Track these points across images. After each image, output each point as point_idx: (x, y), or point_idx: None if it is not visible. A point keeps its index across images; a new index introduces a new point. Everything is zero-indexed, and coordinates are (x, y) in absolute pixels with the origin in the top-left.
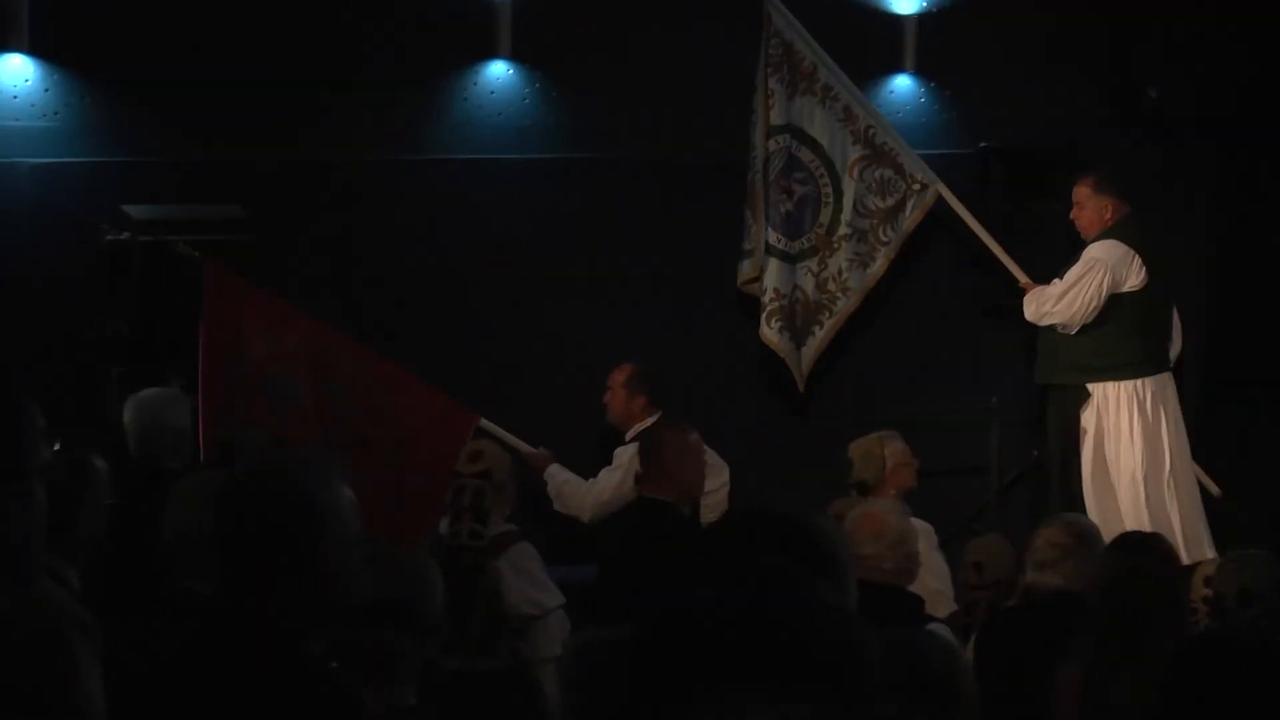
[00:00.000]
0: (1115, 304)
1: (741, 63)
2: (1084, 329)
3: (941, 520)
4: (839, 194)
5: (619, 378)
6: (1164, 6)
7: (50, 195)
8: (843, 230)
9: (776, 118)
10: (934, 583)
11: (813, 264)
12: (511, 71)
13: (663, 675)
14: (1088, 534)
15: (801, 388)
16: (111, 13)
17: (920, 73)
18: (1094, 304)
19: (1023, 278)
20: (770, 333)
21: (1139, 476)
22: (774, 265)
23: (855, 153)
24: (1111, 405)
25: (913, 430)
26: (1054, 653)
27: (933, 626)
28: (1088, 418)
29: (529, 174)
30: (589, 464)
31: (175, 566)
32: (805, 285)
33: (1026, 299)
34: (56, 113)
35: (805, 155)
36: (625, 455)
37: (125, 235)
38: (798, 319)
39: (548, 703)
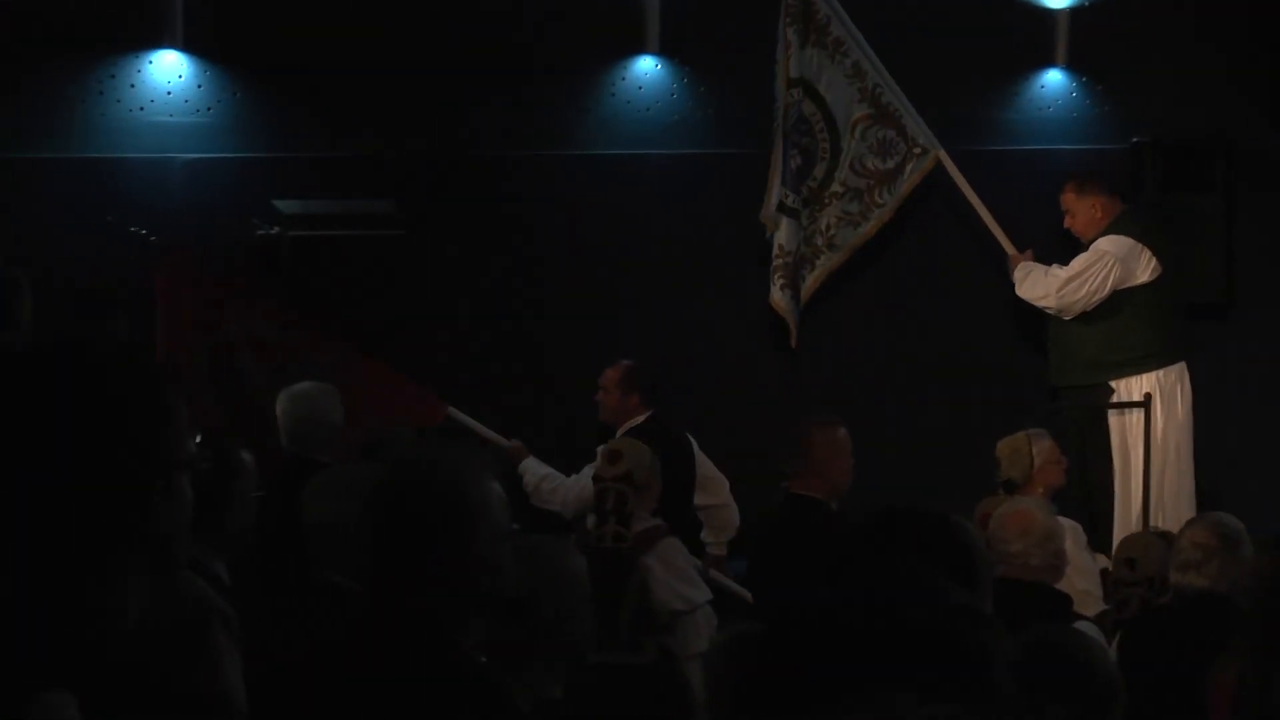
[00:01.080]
0: (1129, 297)
1: (893, 58)
2: (1102, 325)
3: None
4: (836, 150)
5: (613, 376)
6: None
7: (202, 190)
8: (835, 187)
9: (792, 70)
10: (1081, 582)
11: (803, 218)
12: (659, 66)
13: (797, 673)
14: (1233, 534)
15: (794, 343)
16: (264, 9)
17: (1072, 67)
18: (1097, 295)
19: (1010, 248)
20: (775, 292)
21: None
22: (784, 223)
23: (860, 111)
24: (1139, 396)
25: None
26: (1200, 654)
27: (1080, 625)
28: (1116, 423)
29: (676, 169)
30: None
31: (315, 559)
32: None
33: (1018, 273)
34: (209, 109)
35: (808, 109)
36: None
37: (275, 230)
38: (800, 273)
39: (695, 698)
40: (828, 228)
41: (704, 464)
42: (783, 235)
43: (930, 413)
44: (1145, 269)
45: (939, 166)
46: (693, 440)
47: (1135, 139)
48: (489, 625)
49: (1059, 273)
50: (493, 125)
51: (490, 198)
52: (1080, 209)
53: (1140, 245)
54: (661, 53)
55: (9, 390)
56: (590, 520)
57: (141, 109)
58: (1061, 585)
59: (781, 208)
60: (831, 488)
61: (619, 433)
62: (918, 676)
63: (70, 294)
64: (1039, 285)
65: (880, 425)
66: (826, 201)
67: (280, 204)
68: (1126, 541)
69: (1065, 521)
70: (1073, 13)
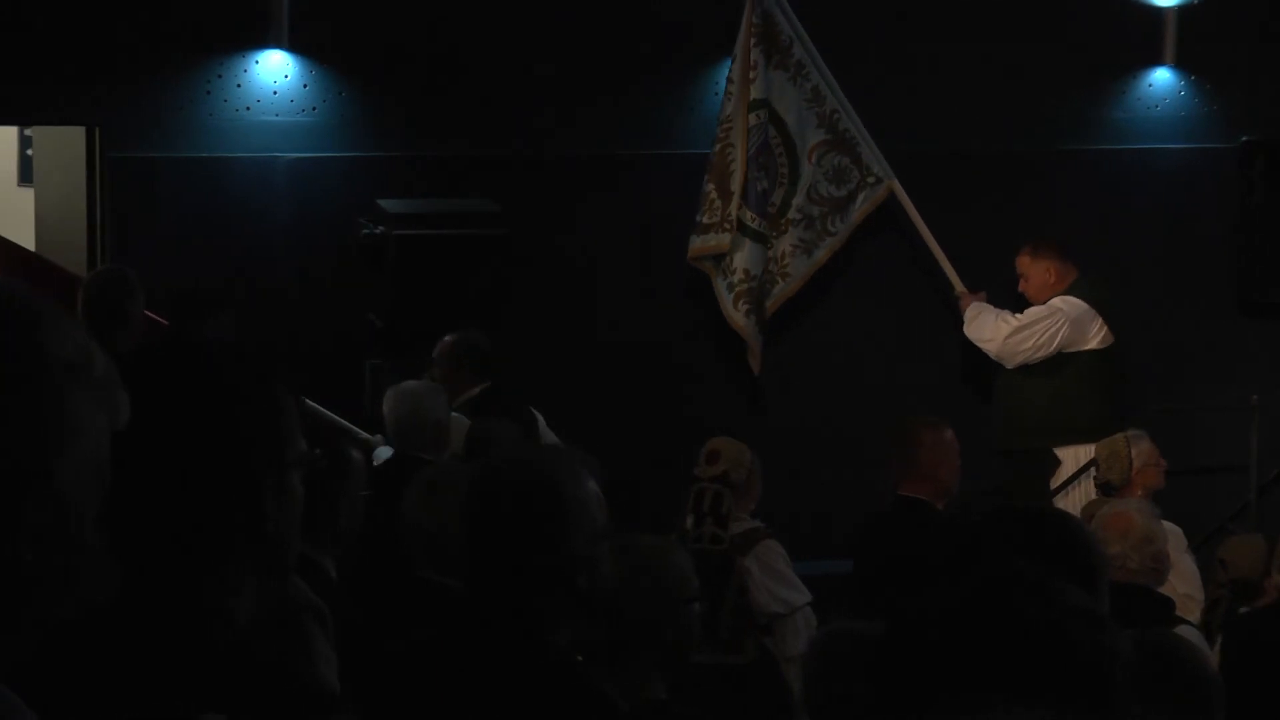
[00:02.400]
0: (1076, 361)
1: (1001, 58)
2: (1048, 388)
3: (1198, 521)
4: (795, 176)
5: (441, 348)
6: None
7: (307, 190)
8: (791, 214)
9: (757, 91)
10: (1183, 586)
11: (768, 242)
12: None
13: (909, 673)
14: None
15: (757, 371)
16: (369, 9)
17: (1180, 66)
18: (1042, 351)
19: (959, 285)
20: (738, 316)
21: None
22: (748, 246)
23: (817, 136)
24: (1070, 470)
25: (1168, 426)
26: None
27: (1181, 629)
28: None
29: None
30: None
31: (416, 557)
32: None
33: (969, 311)
34: (314, 108)
35: (770, 133)
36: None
37: (380, 229)
38: (762, 298)
39: (793, 698)
40: (782, 256)
41: (548, 438)
42: (746, 258)
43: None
44: (1096, 336)
45: (892, 197)
46: (539, 415)
47: (1244, 138)
48: (586, 624)
49: (1010, 319)
50: (596, 124)
51: (593, 197)
52: (1034, 272)
53: (1094, 312)
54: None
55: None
56: (688, 520)
57: (248, 108)
58: (1163, 589)
59: (745, 230)
60: (939, 489)
61: (454, 406)
62: (1034, 678)
63: (176, 293)
64: (987, 328)
65: (839, 449)
66: (783, 229)
67: (385, 203)
68: (1226, 543)
69: (1166, 525)
70: (1181, 11)
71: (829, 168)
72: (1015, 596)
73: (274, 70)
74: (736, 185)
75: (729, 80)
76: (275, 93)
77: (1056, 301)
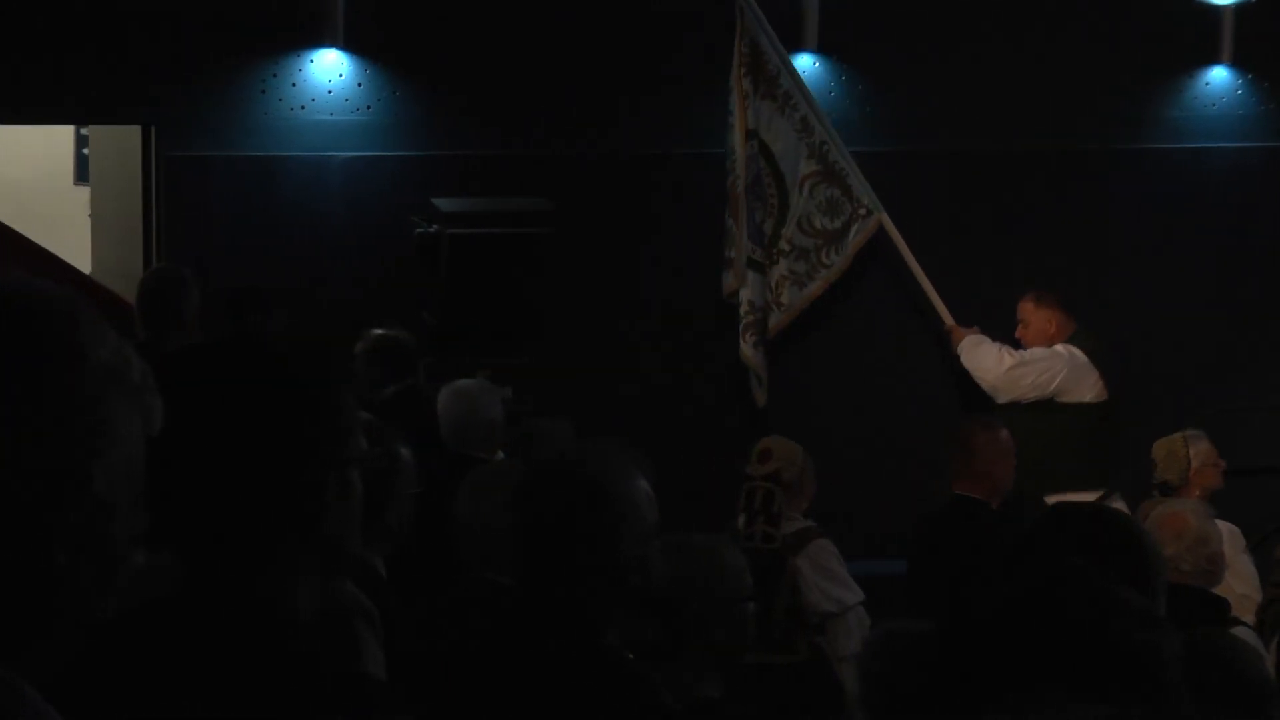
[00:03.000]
0: (1069, 411)
1: (1059, 56)
2: (1041, 434)
3: (1257, 521)
4: (784, 207)
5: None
6: None
7: (360, 188)
8: (781, 245)
9: (750, 121)
10: (1240, 586)
11: (765, 272)
12: (817, 64)
13: (964, 670)
14: None
15: (761, 402)
16: (423, 9)
17: (1237, 64)
18: (1037, 391)
19: (948, 319)
20: (746, 348)
21: None
22: (751, 278)
23: (807, 167)
24: None
25: (1226, 427)
26: None
27: (1237, 630)
28: None
29: None
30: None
31: (468, 555)
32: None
33: (968, 340)
34: (369, 107)
35: (760, 164)
36: None
37: (434, 228)
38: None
39: (846, 697)
40: (775, 286)
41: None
42: (752, 291)
43: (899, 466)
44: (1091, 389)
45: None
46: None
47: None
48: (638, 623)
49: (1011, 353)
50: (647, 124)
51: (644, 196)
52: (1036, 320)
53: (1091, 365)
54: (820, 51)
55: (186, 385)
56: (740, 520)
57: (302, 107)
58: (1220, 589)
59: (751, 263)
60: (994, 488)
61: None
62: (1089, 676)
63: (231, 291)
64: (988, 357)
65: (893, 449)
66: (774, 260)
67: (438, 202)
68: None
69: (1223, 525)
70: (1238, 9)
71: (821, 199)
72: (1071, 596)
73: (329, 69)
74: (741, 216)
75: (729, 112)
76: (330, 92)
77: (1059, 347)
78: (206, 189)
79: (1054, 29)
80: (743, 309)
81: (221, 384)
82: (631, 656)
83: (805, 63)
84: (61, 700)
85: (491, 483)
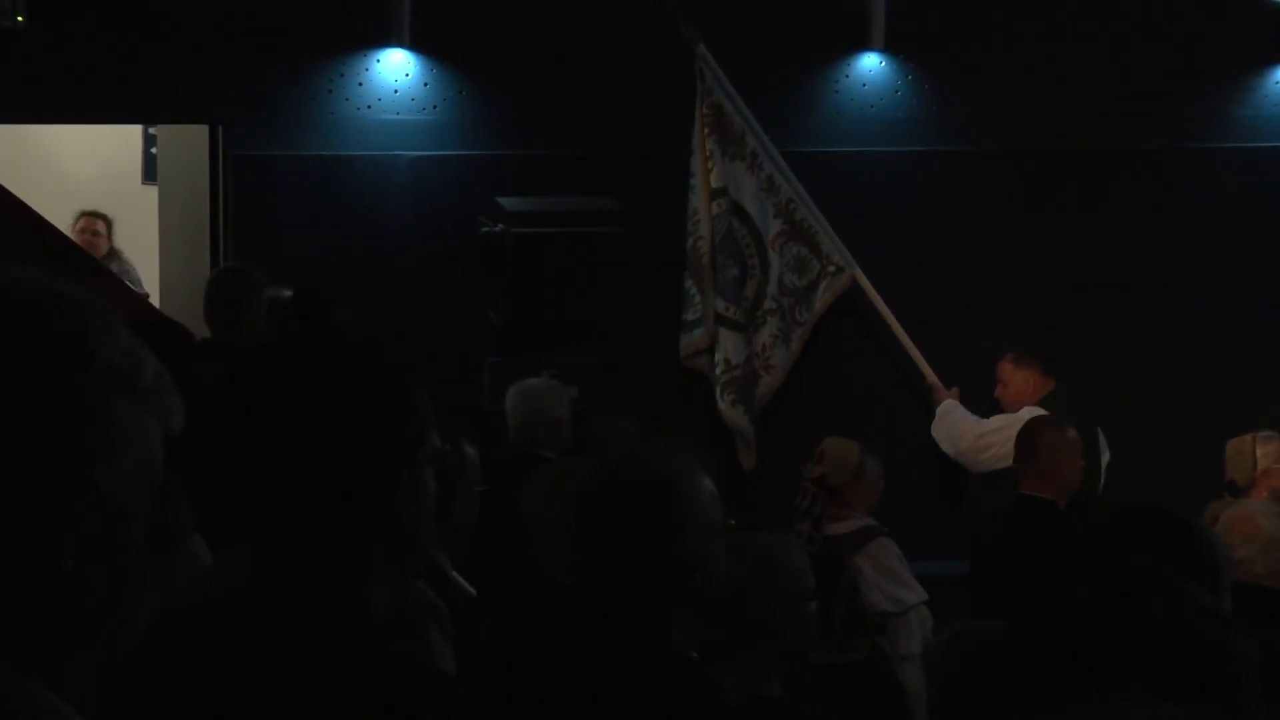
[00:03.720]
0: None
1: (1125, 57)
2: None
3: None
4: (765, 266)
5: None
6: None
7: (427, 188)
8: (768, 304)
9: (716, 180)
10: None
11: (748, 330)
12: (884, 64)
13: (1032, 672)
14: None
15: (750, 466)
16: (489, 8)
17: None
18: (1003, 462)
19: (930, 376)
20: (725, 407)
21: None
22: (724, 335)
23: (776, 226)
24: None
25: None
26: None
27: None
28: None
29: (900, 167)
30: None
31: (535, 553)
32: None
33: (940, 412)
34: (435, 106)
35: (734, 222)
36: None
37: (500, 227)
38: (749, 389)
39: (907, 697)
40: (763, 348)
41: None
42: (728, 348)
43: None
44: None
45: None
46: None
47: None
48: (701, 622)
49: (976, 424)
50: None
51: None
52: (1015, 380)
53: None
54: (886, 50)
55: (262, 383)
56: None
57: (369, 107)
58: None
59: (721, 320)
60: (1061, 488)
61: None
62: (1159, 675)
63: (297, 290)
64: (958, 426)
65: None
66: (762, 320)
67: (504, 201)
68: None
69: None
70: None
71: (790, 257)
72: (1140, 595)
73: (395, 69)
74: (709, 276)
75: (690, 174)
76: (396, 91)
77: (1025, 412)
78: (273, 188)
79: (1122, 27)
80: (719, 368)
81: (300, 383)
82: (694, 655)
83: (871, 62)
84: (138, 695)
85: (558, 481)
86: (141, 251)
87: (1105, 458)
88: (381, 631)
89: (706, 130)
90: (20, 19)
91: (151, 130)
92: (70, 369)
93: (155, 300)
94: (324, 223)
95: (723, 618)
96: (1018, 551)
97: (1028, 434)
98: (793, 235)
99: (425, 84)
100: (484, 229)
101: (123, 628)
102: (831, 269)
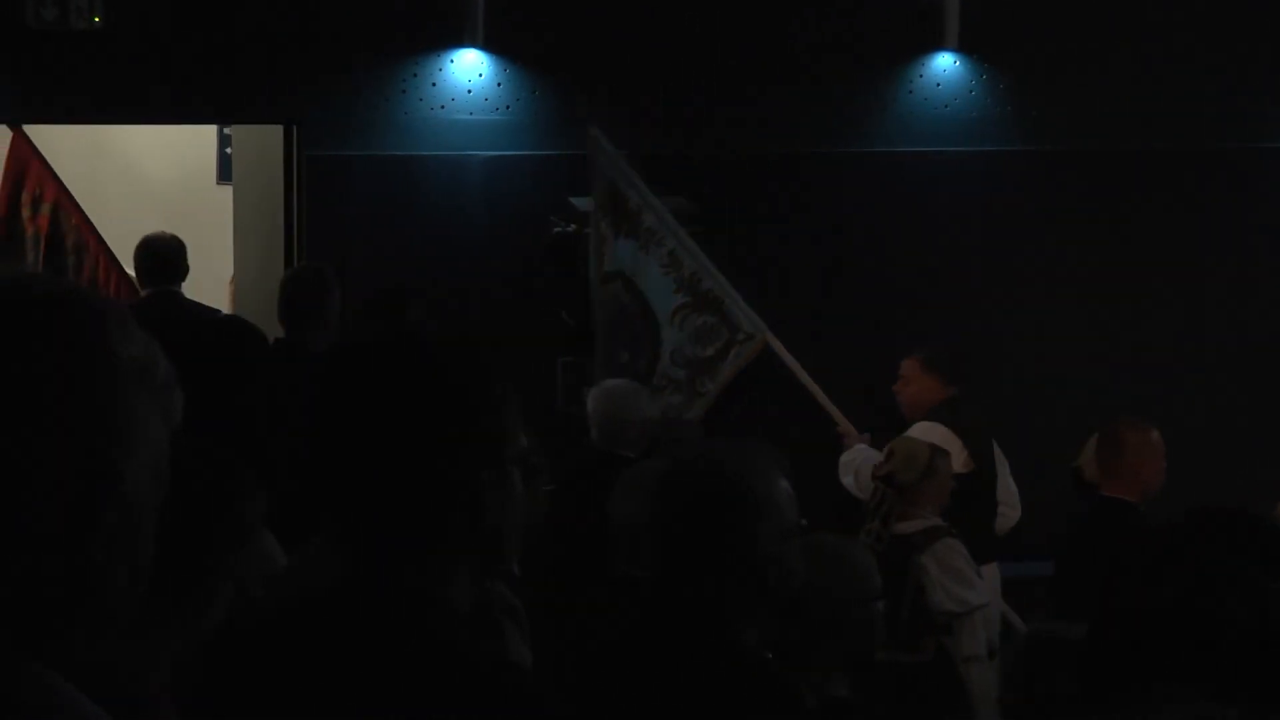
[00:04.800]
0: None
1: (1172, 58)
2: None
3: None
4: (655, 343)
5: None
6: None
7: (499, 188)
8: (656, 381)
9: (609, 264)
10: None
11: None
12: (958, 63)
13: (1114, 671)
14: None
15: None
16: (562, 9)
17: None
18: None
19: (843, 424)
20: None
21: None
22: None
23: (677, 300)
24: None
25: None
26: None
27: None
28: None
29: (975, 167)
30: None
31: (619, 553)
32: None
33: (846, 455)
34: (508, 107)
35: (626, 300)
36: None
37: (572, 228)
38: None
39: (971, 698)
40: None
41: None
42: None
43: None
44: (957, 460)
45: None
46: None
47: None
48: (774, 622)
49: (869, 460)
50: (790, 122)
51: (787, 195)
52: (917, 382)
53: (954, 436)
54: (960, 49)
55: (351, 383)
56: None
57: (442, 107)
58: None
59: None
60: (1143, 490)
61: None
62: (1233, 677)
63: (371, 290)
64: (853, 474)
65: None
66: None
67: (577, 201)
68: None
69: None
70: None
71: (691, 329)
72: (1221, 595)
73: (468, 69)
74: (602, 359)
75: (589, 256)
76: (469, 92)
77: (915, 429)
78: (347, 188)
79: (1196, 27)
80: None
81: (388, 383)
82: (769, 655)
83: (945, 62)
84: (227, 687)
85: (645, 482)
86: (216, 252)
87: (1004, 468)
88: (465, 631)
89: (599, 213)
90: (97, 20)
91: (226, 130)
92: (96, 366)
93: (229, 301)
94: (397, 223)
95: (792, 618)
96: (1099, 553)
97: (1110, 435)
98: (696, 306)
99: (498, 84)
100: (556, 229)
101: (199, 621)
102: (741, 336)
